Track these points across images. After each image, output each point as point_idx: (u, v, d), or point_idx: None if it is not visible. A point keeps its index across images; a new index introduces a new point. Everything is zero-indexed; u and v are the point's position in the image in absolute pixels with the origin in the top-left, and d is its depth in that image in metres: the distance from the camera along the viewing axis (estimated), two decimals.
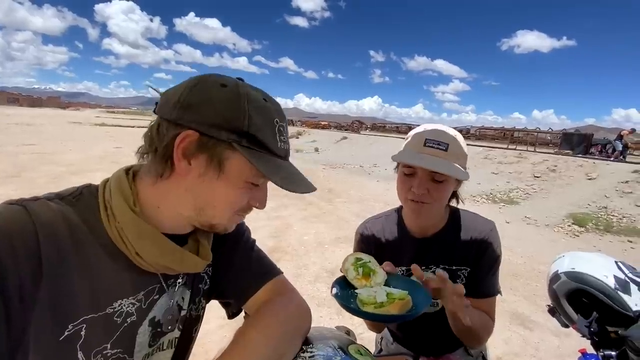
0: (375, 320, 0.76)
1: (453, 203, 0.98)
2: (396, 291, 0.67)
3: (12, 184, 6.08)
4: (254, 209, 0.58)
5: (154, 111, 0.52)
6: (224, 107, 0.48)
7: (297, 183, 0.53)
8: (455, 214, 0.97)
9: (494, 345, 2.51)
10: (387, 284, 0.74)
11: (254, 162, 0.48)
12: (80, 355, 0.46)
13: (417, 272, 0.73)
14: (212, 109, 0.48)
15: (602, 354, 0.91)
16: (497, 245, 0.93)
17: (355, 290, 0.69)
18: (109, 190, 0.51)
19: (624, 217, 6.64)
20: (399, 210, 1.02)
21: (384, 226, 1.01)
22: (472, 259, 0.92)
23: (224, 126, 0.48)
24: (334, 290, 0.69)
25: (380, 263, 0.79)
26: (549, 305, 1.13)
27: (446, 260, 0.93)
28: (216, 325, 2.41)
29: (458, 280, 0.93)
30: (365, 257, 0.76)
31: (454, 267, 0.93)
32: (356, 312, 0.64)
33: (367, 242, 1.01)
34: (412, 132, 0.90)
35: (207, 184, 0.51)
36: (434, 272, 0.93)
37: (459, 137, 0.87)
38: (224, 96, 0.48)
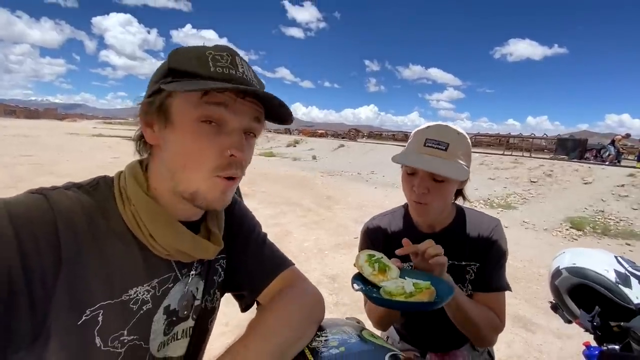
0: (407, 310, 0.81)
1: (459, 201, 0.99)
2: (420, 281, 0.68)
3: (8, 195, 6.03)
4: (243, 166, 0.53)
5: None
6: (158, 69, 0.52)
7: (239, 84, 0.48)
8: (461, 211, 0.98)
9: (496, 347, 2.50)
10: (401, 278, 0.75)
11: (182, 88, 0.45)
12: (97, 340, 0.47)
13: (407, 245, 0.76)
14: (154, 76, 0.52)
15: (605, 347, 0.92)
16: (503, 241, 0.94)
17: (381, 283, 0.69)
18: (124, 178, 0.54)
19: (621, 220, 6.69)
20: (405, 207, 1.03)
21: (391, 222, 1.02)
22: (480, 254, 0.93)
23: (157, 79, 0.51)
24: (356, 286, 0.68)
25: (390, 258, 0.80)
26: (551, 302, 1.14)
27: (455, 256, 0.93)
28: (218, 332, 2.38)
29: (467, 276, 0.93)
30: (377, 254, 0.76)
31: (464, 263, 0.93)
32: (388, 302, 0.64)
33: (374, 238, 1.02)
34: (415, 130, 0.91)
35: (167, 141, 0.50)
36: None
37: (462, 135, 0.87)
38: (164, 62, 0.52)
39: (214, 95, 0.48)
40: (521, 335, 2.78)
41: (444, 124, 0.89)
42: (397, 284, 0.66)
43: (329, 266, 3.93)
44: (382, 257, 0.75)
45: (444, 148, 0.82)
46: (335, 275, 3.67)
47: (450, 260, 0.93)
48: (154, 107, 0.50)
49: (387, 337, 1.15)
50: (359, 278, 0.73)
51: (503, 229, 0.96)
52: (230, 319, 2.44)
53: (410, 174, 0.86)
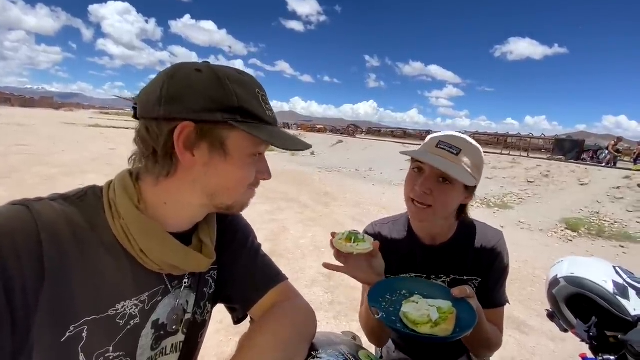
0: (429, 342, 0.69)
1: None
2: (442, 303, 0.65)
3: (2, 186, 5.96)
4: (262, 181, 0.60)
5: (135, 116, 0.51)
6: (209, 90, 0.48)
7: (297, 143, 0.56)
8: (464, 223, 0.96)
9: None
10: (410, 289, 0.74)
11: (254, 134, 0.49)
12: (81, 357, 0.46)
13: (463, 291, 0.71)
14: (198, 95, 0.48)
15: (601, 358, 0.91)
16: (506, 255, 0.93)
17: (402, 309, 0.66)
18: (113, 189, 0.52)
19: (616, 222, 6.74)
20: (407, 216, 1.00)
21: (392, 231, 0.99)
22: (482, 269, 0.92)
23: (216, 108, 0.48)
24: (376, 314, 0.65)
25: (390, 268, 0.80)
26: (548, 310, 1.13)
27: (457, 270, 0.92)
28: (213, 330, 2.38)
29: None
30: (360, 234, 0.77)
31: (465, 277, 0.92)
32: (413, 336, 0.61)
33: None
34: (429, 136, 0.90)
35: (214, 169, 0.51)
36: (443, 281, 0.93)
37: (475, 147, 0.85)
38: (204, 79, 0.49)
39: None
40: (515, 337, 2.80)
41: (460, 134, 0.88)
42: (421, 311, 0.63)
43: None
44: (360, 234, 0.77)
45: (455, 152, 0.81)
46: (331, 273, 3.66)
47: (451, 274, 0.93)
48: (207, 136, 0.49)
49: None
50: (376, 301, 0.70)
51: (505, 242, 0.95)
52: (224, 317, 2.44)
53: (417, 172, 0.85)
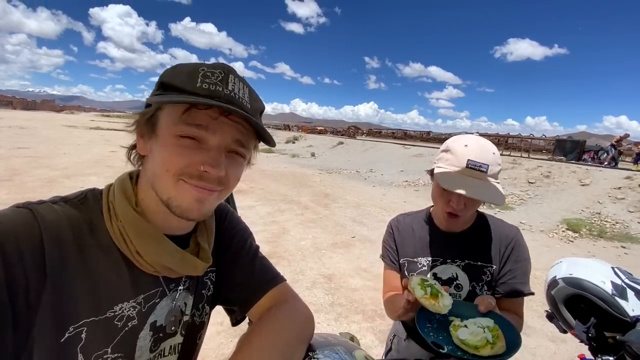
0: None
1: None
2: (485, 321, 0.71)
3: (4, 189, 5.99)
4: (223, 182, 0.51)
5: None
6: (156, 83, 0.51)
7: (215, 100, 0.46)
8: (482, 216, 1.04)
9: None
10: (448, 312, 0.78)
11: (154, 100, 0.48)
12: (80, 358, 0.46)
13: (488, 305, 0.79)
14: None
15: (599, 359, 0.91)
16: (525, 247, 1.00)
17: (459, 337, 0.70)
18: (112, 192, 0.53)
19: (617, 222, 6.72)
20: (428, 210, 1.10)
21: (414, 220, 1.10)
22: (499, 259, 0.98)
23: (154, 92, 0.50)
24: (442, 347, 0.69)
25: (406, 251, 0.91)
26: (547, 311, 1.13)
27: (471, 256, 0.99)
28: (214, 332, 2.38)
29: (483, 277, 0.98)
30: (429, 279, 0.80)
31: (479, 263, 0.98)
32: None
33: (396, 231, 1.10)
34: (452, 145, 0.91)
35: (151, 151, 0.51)
36: (458, 265, 1.00)
37: (496, 152, 0.90)
38: (169, 71, 0.51)
39: (193, 116, 0.47)
40: None
41: (482, 140, 0.90)
42: (477, 335, 0.67)
43: (326, 266, 3.92)
44: (435, 284, 0.79)
45: (485, 170, 0.85)
46: (331, 275, 3.67)
47: (466, 259, 0.99)
48: (146, 118, 0.50)
49: (394, 336, 1.16)
50: (424, 328, 0.74)
51: (523, 237, 1.02)
52: (224, 318, 2.44)
53: (446, 189, 0.89)
